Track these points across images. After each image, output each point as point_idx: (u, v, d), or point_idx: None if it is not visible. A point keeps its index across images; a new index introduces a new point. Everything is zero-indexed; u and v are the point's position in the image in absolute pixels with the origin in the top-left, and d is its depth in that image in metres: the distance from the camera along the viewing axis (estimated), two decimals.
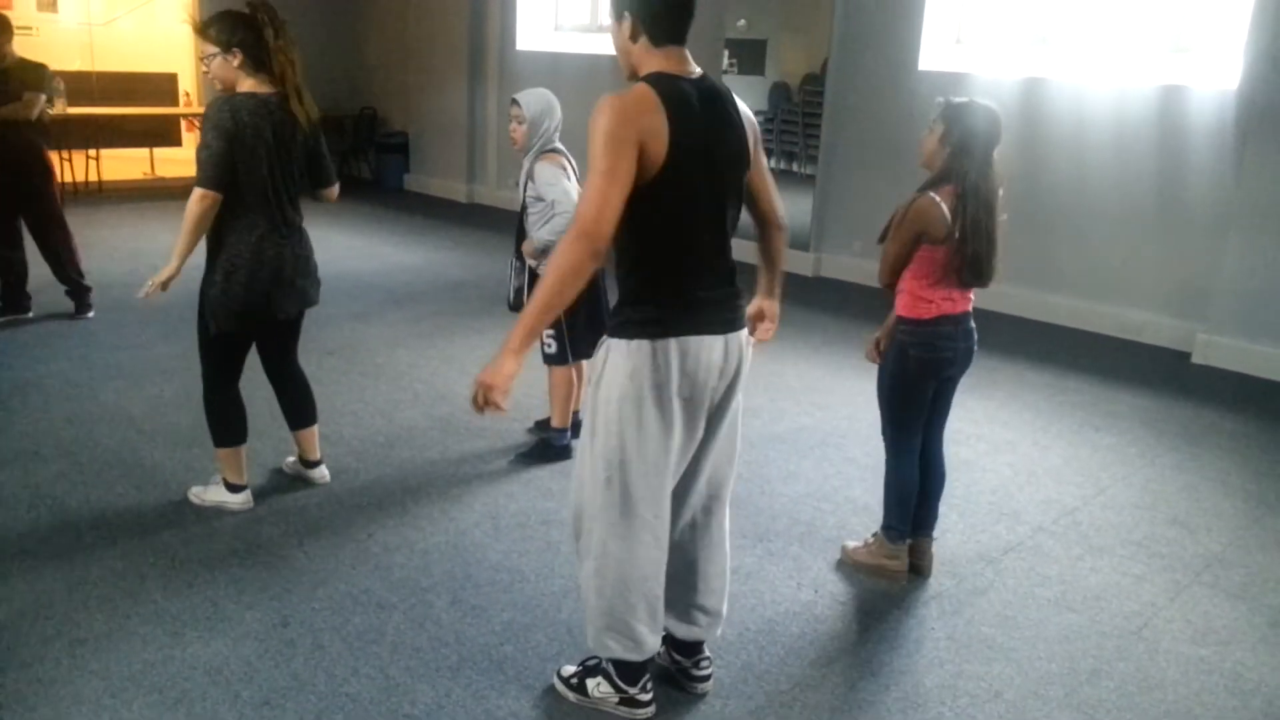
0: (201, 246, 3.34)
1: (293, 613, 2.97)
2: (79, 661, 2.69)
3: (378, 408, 4.69)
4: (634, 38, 2.29)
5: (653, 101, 2.20)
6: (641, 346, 2.30)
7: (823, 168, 7.97)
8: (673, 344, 2.31)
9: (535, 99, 3.94)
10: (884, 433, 3.36)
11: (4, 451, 3.99)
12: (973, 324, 3.29)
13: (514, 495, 3.83)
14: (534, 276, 3.97)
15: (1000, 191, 3.07)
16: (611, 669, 2.57)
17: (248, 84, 3.29)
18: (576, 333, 4.00)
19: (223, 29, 3.26)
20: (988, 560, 3.52)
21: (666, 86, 2.23)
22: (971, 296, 3.25)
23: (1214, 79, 6.09)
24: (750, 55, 8.36)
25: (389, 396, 4.84)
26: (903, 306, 3.22)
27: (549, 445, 4.19)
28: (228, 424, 3.56)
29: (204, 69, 3.34)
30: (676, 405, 2.36)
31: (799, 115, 8.28)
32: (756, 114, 8.97)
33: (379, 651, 2.81)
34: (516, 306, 4.04)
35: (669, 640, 2.70)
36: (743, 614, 3.07)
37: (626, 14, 2.28)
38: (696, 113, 2.26)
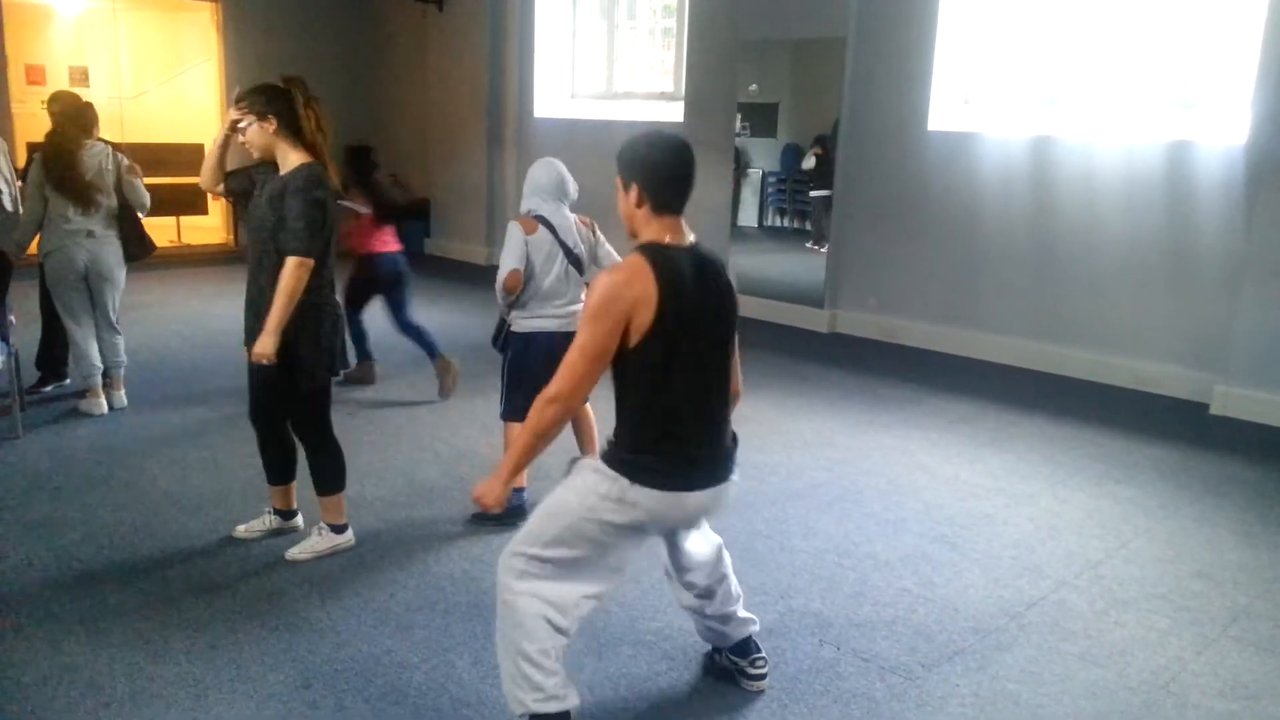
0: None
1: (315, 674, 2.98)
2: None
3: (399, 467, 4.72)
4: (639, 205, 2.49)
5: (645, 271, 2.41)
6: (620, 481, 2.47)
7: (836, 226, 8.06)
8: (651, 492, 2.48)
9: (527, 176, 4.10)
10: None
11: (30, 515, 4.04)
12: None
13: None
14: (503, 321, 4.20)
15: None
16: None
17: (294, 155, 3.46)
18: (527, 392, 4.07)
19: (257, 98, 3.45)
20: (1011, 615, 3.49)
21: (659, 256, 2.45)
22: None
23: (1222, 134, 6.16)
24: (762, 118, 8.51)
25: (410, 456, 4.89)
26: None
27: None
28: (341, 467, 3.77)
29: (240, 140, 3.49)
30: (635, 531, 2.56)
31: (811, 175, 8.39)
32: (769, 175, 9.12)
33: (401, 713, 2.81)
34: (493, 342, 4.30)
35: (729, 648, 2.98)
36: None
37: (634, 185, 2.48)
38: (687, 280, 2.46)
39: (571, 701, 2.56)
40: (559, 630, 2.54)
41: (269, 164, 3.53)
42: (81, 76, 11.24)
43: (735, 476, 2.64)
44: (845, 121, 7.86)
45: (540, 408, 2.44)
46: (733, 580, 2.94)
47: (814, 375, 6.65)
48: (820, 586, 3.66)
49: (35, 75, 10.77)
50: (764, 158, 8.64)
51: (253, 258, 3.51)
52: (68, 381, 5.73)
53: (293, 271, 3.37)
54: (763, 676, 2.98)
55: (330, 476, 3.75)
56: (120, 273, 5.35)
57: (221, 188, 3.65)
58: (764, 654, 3.00)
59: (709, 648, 3.11)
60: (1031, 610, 3.54)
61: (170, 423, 5.26)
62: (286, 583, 3.55)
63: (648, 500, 2.47)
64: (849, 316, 8.06)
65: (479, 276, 10.37)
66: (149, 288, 8.98)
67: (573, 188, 4.12)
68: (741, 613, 2.96)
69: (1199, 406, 6.12)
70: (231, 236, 10.93)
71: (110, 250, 5.26)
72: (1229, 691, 3.06)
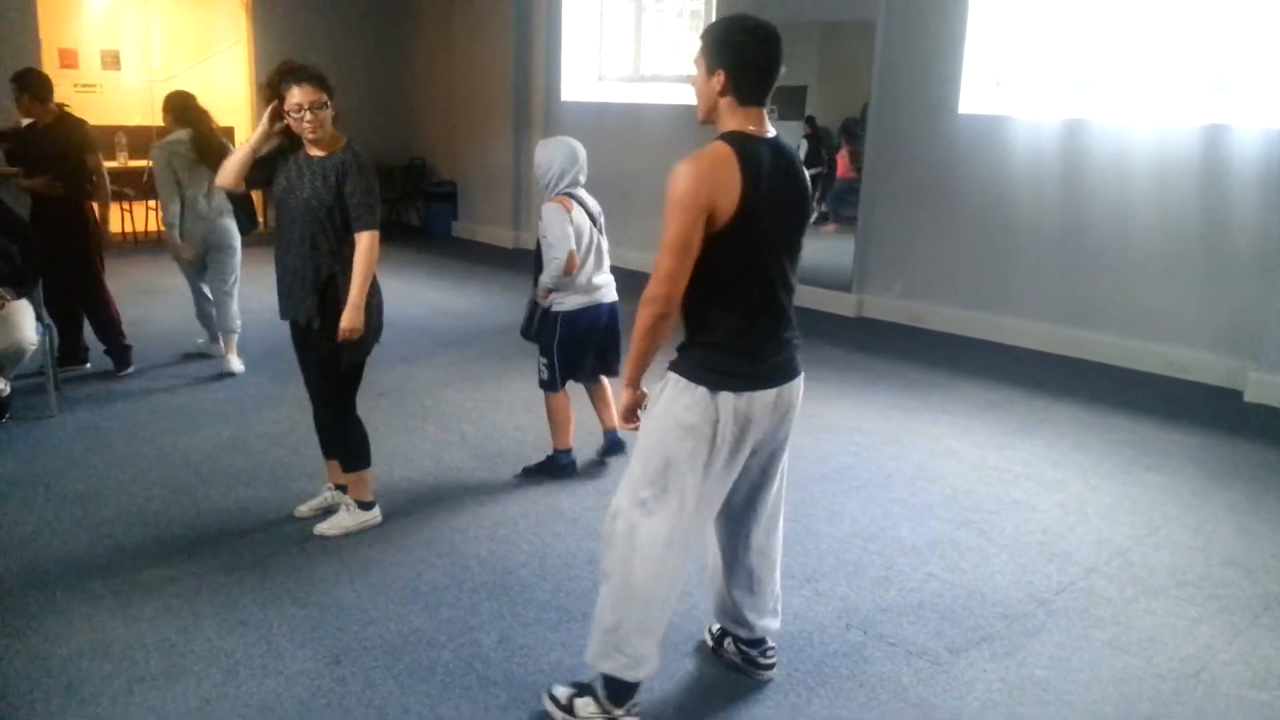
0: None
1: (344, 651, 3.02)
2: (136, 699, 2.75)
3: (426, 449, 4.75)
4: (722, 94, 2.44)
5: (730, 160, 2.37)
6: (698, 389, 2.47)
7: (864, 210, 8.00)
8: (728, 395, 2.47)
9: (542, 151, 4.14)
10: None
11: (65, 492, 4.10)
12: None
13: (560, 535, 3.86)
14: (534, 307, 4.22)
15: None
16: (601, 689, 2.65)
17: (337, 135, 3.51)
18: (574, 362, 4.21)
19: (324, 79, 3.45)
20: (1039, 601, 3.47)
21: (743, 147, 2.40)
22: None
23: (1259, 117, 6.05)
24: (790, 101, 8.45)
25: (437, 438, 4.91)
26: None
27: (553, 463, 4.35)
28: (365, 444, 3.82)
29: (310, 119, 3.39)
30: (725, 445, 2.50)
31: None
32: None
33: (429, 690, 2.84)
34: (525, 333, 4.31)
35: (740, 640, 2.93)
36: (791, 655, 3.06)
37: (721, 71, 2.43)
38: (768, 173, 2.42)
39: (652, 668, 2.64)
40: (677, 587, 2.63)
41: (285, 148, 3.54)
42: (113, 60, 11.33)
43: (802, 372, 2.65)
44: (875, 105, 7.78)
45: (641, 309, 2.44)
46: (778, 575, 2.92)
47: (841, 360, 6.62)
48: (846, 571, 3.66)
49: (68, 59, 10.86)
50: (792, 141, 8.57)
51: (297, 235, 3.49)
52: (88, 366, 5.83)
53: (371, 246, 3.48)
54: (772, 665, 2.95)
55: (355, 452, 3.79)
56: (236, 242, 5.84)
57: (243, 185, 3.59)
58: (774, 645, 2.98)
59: (711, 636, 3.07)
60: (1060, 596, 3.51)
61: (200, 403, 5.32)
62: (315, 561, 3.58)
63: (723, 401, 2.47)
64: (876, 301, 8.00)
65: (506, 260, 10.39)
66: (171, 270, 9.04)
67: (585, 163, 4.17)
68: (778, 606, 2.93)
69: (1233, 393, 6.04)
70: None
71: (225, 223, 5.75)
72: (1260, 681, 3.03)
